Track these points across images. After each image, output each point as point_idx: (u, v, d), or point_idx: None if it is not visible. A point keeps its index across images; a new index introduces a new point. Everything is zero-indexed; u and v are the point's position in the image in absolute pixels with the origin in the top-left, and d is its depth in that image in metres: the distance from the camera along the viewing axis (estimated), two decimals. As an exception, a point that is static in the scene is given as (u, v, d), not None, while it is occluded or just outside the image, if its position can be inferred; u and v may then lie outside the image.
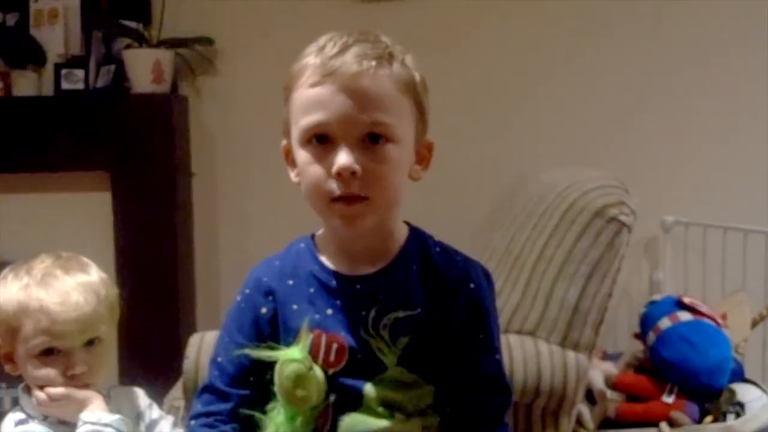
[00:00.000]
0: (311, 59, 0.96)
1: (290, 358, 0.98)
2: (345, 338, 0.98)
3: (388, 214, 0.99)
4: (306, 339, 0.99)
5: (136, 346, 2.45)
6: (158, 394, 1.88)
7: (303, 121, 0.96)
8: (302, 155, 0.97)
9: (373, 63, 0.94)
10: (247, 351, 1.01)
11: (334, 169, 0.93)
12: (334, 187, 0.94)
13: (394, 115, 0.95)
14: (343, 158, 0.93)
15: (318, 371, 0.98)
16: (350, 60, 0.94)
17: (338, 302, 1.00)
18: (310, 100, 0.95)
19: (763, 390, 1.89)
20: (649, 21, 2.45)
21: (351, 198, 0.94)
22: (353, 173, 0.93)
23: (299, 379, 0.98)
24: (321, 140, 0.95)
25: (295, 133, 0.98)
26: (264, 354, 1.00)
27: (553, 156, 2.31)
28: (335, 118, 0.93)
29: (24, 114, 2.50)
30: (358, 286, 1.00)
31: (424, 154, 1.03)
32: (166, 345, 2.27)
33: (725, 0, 2.41)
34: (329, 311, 1.00)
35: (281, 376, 0.99)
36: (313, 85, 0.95)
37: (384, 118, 0.94)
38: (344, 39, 0.96)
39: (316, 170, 0.95)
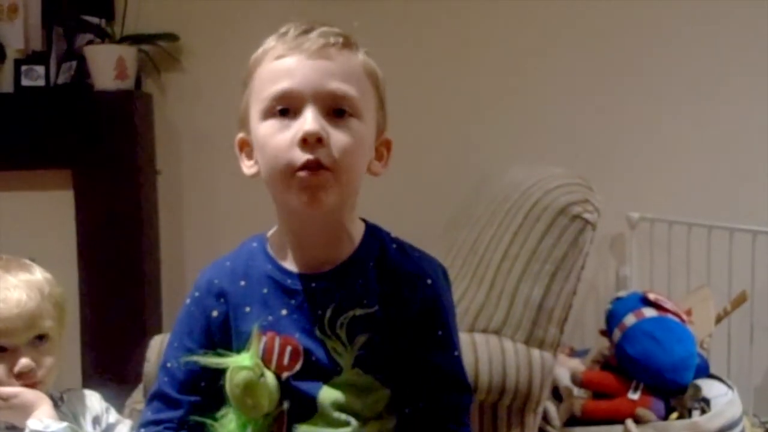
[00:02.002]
0: (272, 43, 0.95)
1: (240, 365, 0.95)
2: (299, 340, 0.96)
3: (347, 197, 0.96)
4: (257, 344, 0.97)
5: (99, 347, 2.42)
6: (122, 397, 1.86)
7: (268, 90, 0.93)
8: (263, 129, 0.93)
9: (340, 40, 0.93)
10: (195, 358, 0.98)
11: (300, 134, 0.89)
12: (297, 155, 0.90)
13: (359, 91, 0.94)
14: (310, 123, 0.89)
15: (270, 378, 0.96)
16: (315, 37, 0.93)
17: (293, 302, 0.97)
18: (276, 70, 0.93)
19: (728, 386, 1.91)
20: (613, 18, 2.46)
21: (315, 168, 0.90)
22: (319, 140, 0.89)
23: (249, 387, 0.95)
24: (284, 113, 0.92)
25: (257, 108, 0.94)
26: (213, 361, 0.97)
27: (517, 154, 2.31)
28: (302, 85, 0.91)
29: (-17, 111, 2.45)
30: (313, 284, 0.97)
31: (382, 152, 1.01)
32: (130, 346, 2.23)
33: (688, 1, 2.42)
34: (283, 312, 0.97)
35: (231, 383, 0.96)
36: (279, 57, 0.93)
37: (351, 91, 0.93)
38: (306, 25, 0.95)
39: (278, 140, 0.91)
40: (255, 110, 0.95)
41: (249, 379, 0.95)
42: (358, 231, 1.01)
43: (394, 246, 1.01)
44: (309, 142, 0.89)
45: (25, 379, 1.13)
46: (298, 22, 0.96)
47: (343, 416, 0.95)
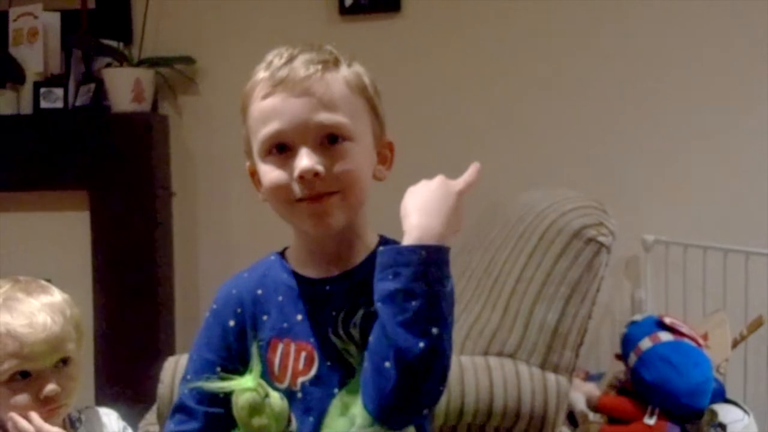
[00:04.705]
0: (260, 74, 0.98)
1: (243, 388, 0.97)
2: (314, 345, 0.98)
3: (356, 212, 0.99)
4: (258, 365, 0.98)
5: (113, 368, 2.42)
6: (135, 418, 1.86)
7: (261, 133, 0.96)
8: (264, 168, 0.97)
9: (320, 66, 0.96)
10: (199, 384, 1.00)
11: (296, 173, 0.93)
12: (296, 190, 0.94)
13: (347, 114, 0.96)
14: (304, 161, 0.93)
15: (275, 398, 0.97)
16: (297, 66, 0.95)
17: (308, 306, 0.99)
18: (264, 112, 0.96)
19: (745, 411, 1.89)
20: (626, 42, 2.46)
21: (318, 197, 0.94)
22: (316, 174, 0.93)
23: (254, 409, 0.96)
24: (281, 150, 0.96)
25: (256, 146, 0.98)
26: (217, 386, 0.99)
27: (531, 176, 2.31)
28: (290, 124, 0.94)
29: (2, 133, 2.48)
30: (327, 287, 0.99)
31: (385, 155, 1.03)
32: (144, 367, 2.23)
33: (701, 18, 2.43)
34: (299, 317, 0.99)
35: (236, 406, 0.98)
36: (265, 96, 0.96)
37: (338, 118, 0.95)
38: (290, 51, 0.98)
39: (277, 178, 0.95)
40: (255, 147, 0.99)
41: (253, 400, 0.96)
42: (371, 236, 1.03)
43: None
44: (306, 178, 0.93)
45: (51, 404, 1.13)
46: (283, 47, 0.99)
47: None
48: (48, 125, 2.49)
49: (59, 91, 2.52)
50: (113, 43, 2.54)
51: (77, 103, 2.53)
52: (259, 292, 1.02)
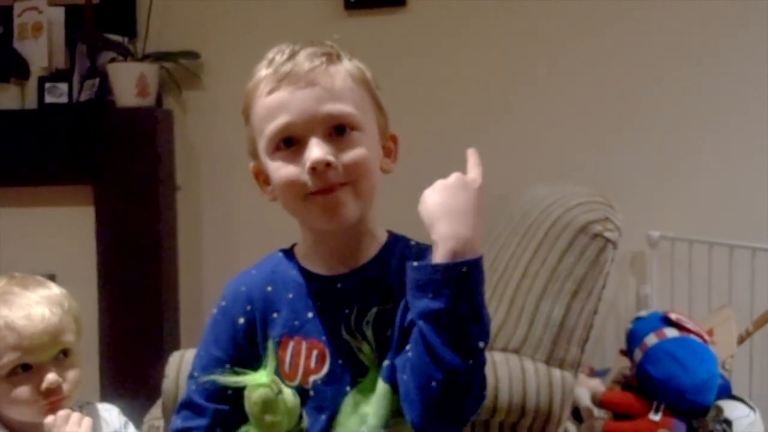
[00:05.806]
0: (263, 72, 0.98)
1: (257, 383, 0.97)
2: (325, 343, 0.97)
3: (368, 204, 0.98)
4: (273, 361, 0.98)
5: (117, 363, 2.43)
6: (140, 413, 1.86)
7: (268, 128, 0.96)
8: (273, 164, 0.97)
9: (324, 59, 0.96)
10: (214, 377, 0.99)
11: (308, 164, 0.92)
12: (308, 182, 0.93)
13: (353, 104, 0.96)
14: (315, 152, 0.92)
15: (288, 395, 0.97)
16: (301, 60, 0.95)
17: (319, 304, 0.98)
18: (271, 106, 0.96)
19: (751, 407, 1.88)
20: (632, 36, 2.45)
21: (330, 189, 0.93)
22: (329, 164, 0.92)
23: (267, 405, 0.96)
24: (289, 144, 0.95)
25: (263, 144, 0.97)
26: (230, 380, 0.99)
27: (537, 172, 2.30)
28: (299, 116, 0.94)
29: (6, 128, 2.48)
30: (339, 285, 0.99)
31: (390, 147, 1.04)
32: (149, 361, 2.24)
33: (708, 18, 2.42)
34: (309, 315, 0.98)
35: (249, 401, 0.97)
36: (270, 92, 0.96)
37: (345, 108, 0.95)
38: (291, 47, 0.98)
39: (289, 172, 0.95)
40: (261, 145, 0.98)
41: (266, 396, 0.96)
42: (381, 232, 1.03)
43: (413, 243, 1.03)
44: (318, 169, 0.92)
45: (52, 396, 1.13)
46: (283, 44, 0.99)
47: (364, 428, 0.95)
48: (52, 120, 2.49)
49: (64, 86, 2.52)
50: (117, 38, 2.54)
51: (81, 98, 2.53)
52: (269, 289, 1.01)
